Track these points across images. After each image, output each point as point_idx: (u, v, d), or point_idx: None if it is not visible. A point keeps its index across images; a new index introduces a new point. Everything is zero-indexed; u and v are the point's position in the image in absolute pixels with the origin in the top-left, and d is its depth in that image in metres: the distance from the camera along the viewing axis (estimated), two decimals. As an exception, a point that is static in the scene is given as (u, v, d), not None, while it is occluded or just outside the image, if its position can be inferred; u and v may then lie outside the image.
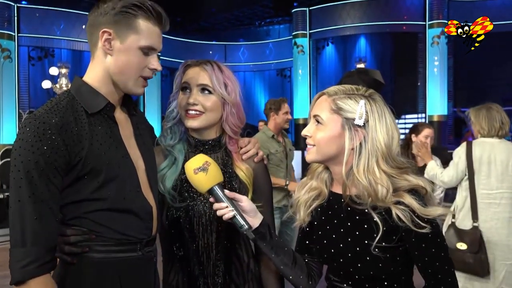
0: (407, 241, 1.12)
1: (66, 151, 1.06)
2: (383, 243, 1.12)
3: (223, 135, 1.39)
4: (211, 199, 1.19)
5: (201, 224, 1.32)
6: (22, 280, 1.02)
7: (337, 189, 1.24)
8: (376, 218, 1.11)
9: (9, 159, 7.86)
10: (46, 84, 10.41)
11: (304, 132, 1.22)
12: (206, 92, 1.32)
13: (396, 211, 1.10)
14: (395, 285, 1.16)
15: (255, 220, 1.20)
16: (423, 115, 11.25)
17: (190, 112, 1.32)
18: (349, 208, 1.18)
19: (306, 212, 1.27)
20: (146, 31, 1.16)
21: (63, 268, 1.14)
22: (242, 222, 1.16)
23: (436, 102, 10.98)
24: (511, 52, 10.98)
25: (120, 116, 1.24)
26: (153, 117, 12.14)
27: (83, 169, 1.09)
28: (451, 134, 11.55)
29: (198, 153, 1.31)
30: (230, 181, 1.34)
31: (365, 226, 1.14)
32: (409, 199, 1.10)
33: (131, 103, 1.30)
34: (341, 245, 1.18)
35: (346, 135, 1.15)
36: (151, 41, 1.17)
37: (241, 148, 1.40)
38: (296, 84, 12.31)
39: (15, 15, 10.68)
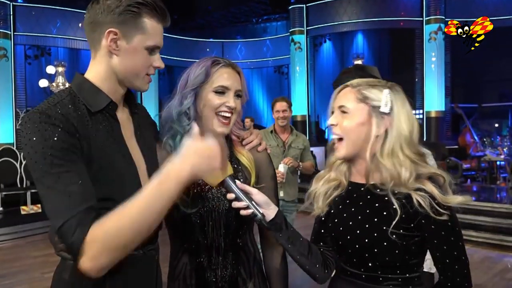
0: (426, 229, 1.15)
1: (76, 139, 1.04)
2: (401, 230, 1.15)
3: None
4: (224, 189, 1.21)
5: (211, 219, 1.34)
6: (85, 232, 0.96)
7: (357, 179, 1.28)
8: (395, 203, 1.14)
9: (6, 159, 7.87)
10: (43, 82, 10.36)
11: (330, 121, 1.26)
12: (238, 95, 1.36)
13: (416, 196, 1.13)
14: (407, 275, 1.19)
15: (270, 211, 1.23)
16: (421, 111, 11.26)
17: (225, 115, 1.32)
18: (368, 196, 1.22)
19: (325, 202, 1.31)
20: (152, 30, 1.15)
21: (65, 268, 1.13)
22: (256, 211, 1.19)
23: (434, 98, 10.99)
24: (508, 48, 10.98)
25: (122, 115, 1.23)
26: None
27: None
28: (448, 130, 11.56)
29: None
30: (235, 169, 1.37)
31: (384, 213, 1.17)
32: (430, 186, 1.14)
33: (133, 101, 1.29)
34: (358, 231, 1.21)
35: (373, 122, 1.20)
36: (156, 40, 1.16)
37: (243, 139, 1.44)
38: (294, 81, 12.30)
39: (11, 13, 10.63)
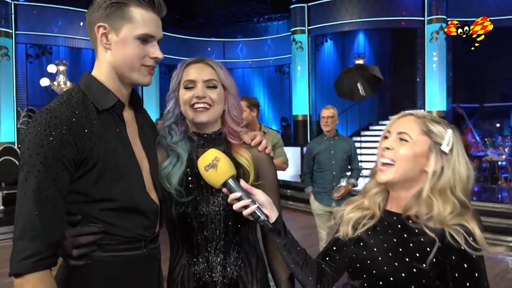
0: (457, 268, 1.10)
1: (75, 147, 1.06)
2: (423, 265, 1.11)
3: (224, 127, 1.41)
4: (225, 190, 1.19)
5: (209, 219, 1.33)
6: (19, 273, 1.00)
7: (392, 208, 1.26)
8: (432, 235, 1.11)
9: (7, 157, 7.88)
10: (44, 81, 10.36)
11: (385, 144, 1.22)
12: (212, 86, 1.36)
13: (450, 230, 1.10)
14: None
15: (272, 213, 1.22)
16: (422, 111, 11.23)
17: (198, 106, 1.34)
18: (399, 226, 1.20)
19: (354, 229, 1.28)
20: (140, 19, 1.15)
21: (69, 268, 1.14)
22: (258, 213, 1.17)
23: (435, 97, 10.97)
24: (510, 48, 10.96)
25: (128, 115, 1.24)
26: (151, 114, 12.07)
27: (90, 167, 1.09)
28: (450, 130, 11.52)
29: (201, 147, 1.36)
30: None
31: (410, 244, 1.16)
32: (473, 223, 1.11)
33: (138, 101, 1.30)
34: (379, 258, 1.19)
35: (432, 157, 1.18)
36: (146, 28, 1.16)
37: (249, 140, 1.43)
38: (295, 80, 12.29)
39: (12, 12, 10.63)
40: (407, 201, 1.20)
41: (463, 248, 1.08)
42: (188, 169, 1.35)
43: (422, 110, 1.26)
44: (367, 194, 1.31)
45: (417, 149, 1.19)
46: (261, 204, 1.20)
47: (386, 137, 1.25)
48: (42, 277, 1.02)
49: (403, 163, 1.19)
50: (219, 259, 1.33)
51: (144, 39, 1.16)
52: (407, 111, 1.27)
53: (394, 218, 1.22)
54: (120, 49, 1.15)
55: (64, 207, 1.07)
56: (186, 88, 1.36)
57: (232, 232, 1.34)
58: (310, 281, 1.26)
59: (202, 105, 1.34)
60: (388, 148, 1.21)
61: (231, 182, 1.18)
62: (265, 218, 1.17)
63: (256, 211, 1.17)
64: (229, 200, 1.19)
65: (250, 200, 1.18)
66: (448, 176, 1.17)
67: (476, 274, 1.10)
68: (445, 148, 1.18)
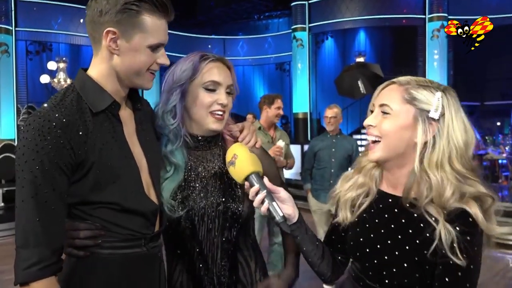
0: (442, 263, 1.01)
1: (71, 150, 1.04)
2: (425, 251, 1.02)
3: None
4: (246, 185, 1.16)
5: (202, 222, 1.29)
6: (24, 282, 0.99)
7: (385, 188, 1.17)
8: (432, 223, 1.01)
9: (7, 154, 7.88)
10: (44, 78, 10.35)
11: (367, 121, 1.12)
12: (229, 92, 1.30)
13: (441, 228, 1.00)
14: None
15: (295, 211, 1.17)
16: (423, 109, 11.22)
17: (219, 113, 1.28)
18: (396, 210, 1.10)
19: (352, 211, 1.19)
20: (153, 27, 1.11)
21: (70, 266, 1.13)
22: (274, 213, 1.13)
23: (436, 96, 10.96)
24: (510, 46, 10.94)
25: (125, 113, 1.21)
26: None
27: (86, 170, 1.07)
28: (450, 128, 11.52)
29: (194, 150, 1.32)
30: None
31: (410, 231, 1.06)
32: (475, 209, 1.00)
33: (137, 97, 1.27)
34: (378, 246, 1.11)
35: (419, 127, 1.06)
36: (159, 37, 1.13)
37: (237, 137, 1.38)
38: (295, 78, 12.28)
39: (12, 9, 10.60)
40: (406, 182, 1.08)
41: (447, 252, 0.98)
42: (184, 177, 1.31)
43: (409, 76, 1.12)
44: (363, 169, 1.20)
45: (401, 121, 1.07)
46: (283, 200, 1.16)
47: (372, 111, 1.14)
48: (47, 284, 1.01)
49: (389, 139, 1.08)
50: (217, 263, 1.31)
51: (156, 47, 1.14)
52: (392, 80, 1.14)
53: (390, 200, 1.12)
54: (130, 56, 1.11)
55: (64, 211, 1.06)
56: (207, 89, 1.26)
57: (229, 237, 1.31)
58: (326, 272, 1.24)
59: (221, 113, 1.27)
60: (371, 125, 1.11)
61: (252, 178, 1.15)
62: (281, 220, 1.13)
63: (270, 208, 1.13)
64: (249, 196, 1.15)
65: (265, 192, 1.13)
66: (443, 145, 1.04)
67: (468, 285, 1.00)
68: (433, 114, 1.05)
